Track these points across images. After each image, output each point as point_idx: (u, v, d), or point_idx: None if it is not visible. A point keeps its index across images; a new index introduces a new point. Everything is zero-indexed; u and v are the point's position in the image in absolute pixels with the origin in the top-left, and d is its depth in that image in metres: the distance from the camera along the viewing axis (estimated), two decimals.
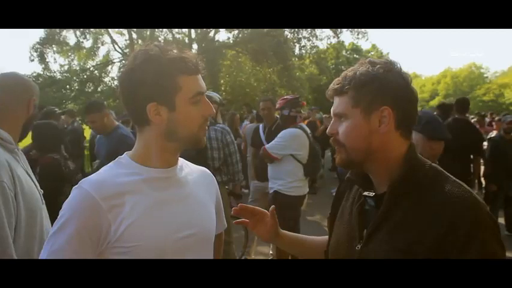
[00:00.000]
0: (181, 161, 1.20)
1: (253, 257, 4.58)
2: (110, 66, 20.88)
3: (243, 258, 4.41)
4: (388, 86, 1.02)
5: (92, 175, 1.08)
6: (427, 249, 0.91)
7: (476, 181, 5.24)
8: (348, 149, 1.05)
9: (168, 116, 1.07)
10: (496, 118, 8.46)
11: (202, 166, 1.33)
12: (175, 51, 1.07)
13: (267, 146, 3.89)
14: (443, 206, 0.94)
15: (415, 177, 1.01)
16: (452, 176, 1.02)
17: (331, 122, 1.11)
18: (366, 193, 1.09)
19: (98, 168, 1.21)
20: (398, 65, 1.06)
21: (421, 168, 1.03)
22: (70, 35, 18.86)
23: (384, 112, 1.01)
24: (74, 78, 19.57)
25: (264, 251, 4.90)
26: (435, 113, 4.54)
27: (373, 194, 1.07)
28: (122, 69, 1.13)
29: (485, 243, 0.90)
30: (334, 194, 1.28)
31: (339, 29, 18.12)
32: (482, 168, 5.43)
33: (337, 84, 1.07)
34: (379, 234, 1.01)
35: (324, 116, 11.02)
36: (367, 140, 1.03)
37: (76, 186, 1.04)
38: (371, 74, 1.03)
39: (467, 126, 4.76)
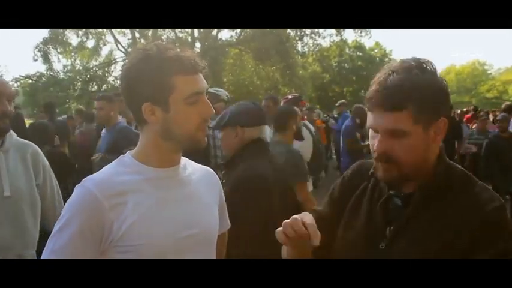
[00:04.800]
0: (184, 160, 1.19)
1: None
2: (113, 66, 20.95)
3: None
4: (445, 95, 0.98)
5: (95, 174, 1.08)
6: (458, 250, 0.92)
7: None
8: (401, 166, 0.98)
9: (163, 116, 1.05)
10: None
11: (204, 163, 1.31)
12: (174, 50, 1.05)
13: None
14: (474, 209, 0.95)
15: (446, 180, 1.00)
16: (479, 180, 1.03)
17: (379, 138, 0.98)
18: (392, 192, 1.05)
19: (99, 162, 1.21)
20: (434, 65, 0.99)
21: (452, 171, 1.03)
22: (72, 35, 18.93)
23: (441, 123, 0.98)
24: (77, 77, 19.65)
25: None
26: None
27: (402, 193, 1.04)
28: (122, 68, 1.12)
29: (509, 244, 0.93)
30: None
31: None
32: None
33: (388, 97, 0.94)
34: (407, 234, 0.99)
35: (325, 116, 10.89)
36: (426, 154, 1.00)
37: (79, 184, 1.04)
38: (427, 83, 0.94)
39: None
